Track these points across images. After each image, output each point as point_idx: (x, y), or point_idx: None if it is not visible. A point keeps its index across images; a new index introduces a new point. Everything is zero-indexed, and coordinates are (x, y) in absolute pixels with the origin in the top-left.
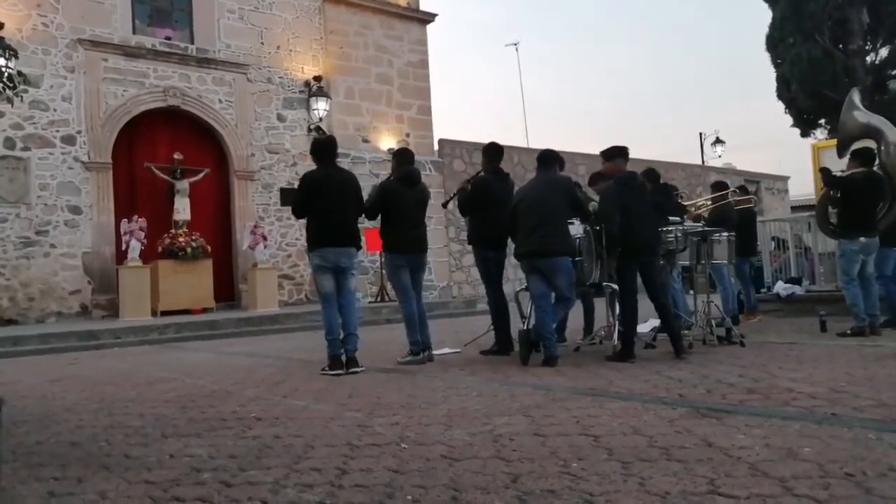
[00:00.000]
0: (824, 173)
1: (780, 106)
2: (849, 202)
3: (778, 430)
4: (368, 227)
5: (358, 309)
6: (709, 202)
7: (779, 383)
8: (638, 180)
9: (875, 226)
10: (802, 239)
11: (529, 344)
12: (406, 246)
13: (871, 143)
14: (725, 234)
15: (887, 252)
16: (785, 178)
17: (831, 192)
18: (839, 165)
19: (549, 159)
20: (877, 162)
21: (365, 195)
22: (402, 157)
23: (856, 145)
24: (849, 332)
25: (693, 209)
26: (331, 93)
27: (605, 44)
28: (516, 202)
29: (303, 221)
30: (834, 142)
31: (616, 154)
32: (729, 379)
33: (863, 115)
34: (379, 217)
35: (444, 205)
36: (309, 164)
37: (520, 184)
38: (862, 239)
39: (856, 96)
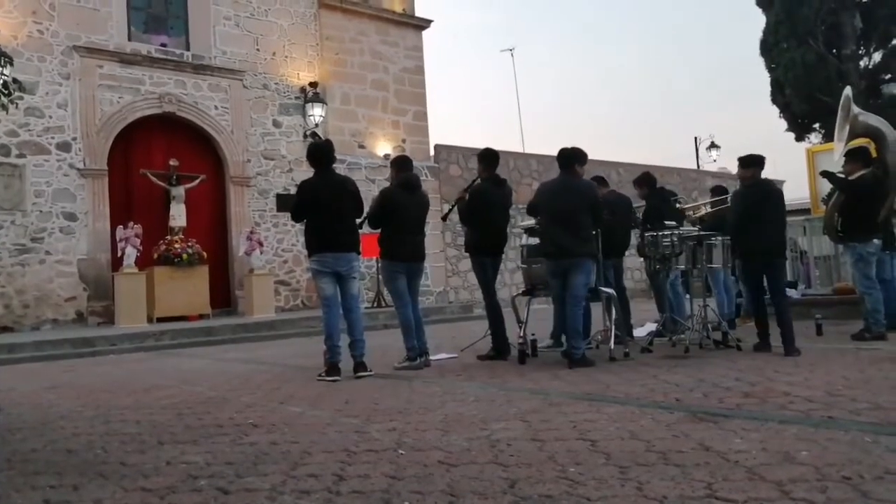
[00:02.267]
0: (831, 177)
1: (775, 110)
2: (859, 204)
3: (775, 434)
4: (365, 232)
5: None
6: (709, 207)
7: (775, 387)
8: (762, 187)
9: (880, 226)
10: (798, 243)
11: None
12: (404, 254)
13: (865, 141)
14: (720, 238)
15: (883, 256)
16: (780, 183)
17: (842, 197)
18: (835, 168)
19: (568, 159)
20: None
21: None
22: (401, 164)
23: (850, 145)
24: (867, 335)
25: (693, 213)
26: (326, 99)
27: (600, 49)
28: (539, 202)
29: (300, 227)
30: (829, 145)
31: (741, 163)
32: (725, 383)
33: (864, 117)
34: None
35: (444, 218)
36: (305, 170)
37: (516, 188)
38: (875, 241)
39: (852, 103)
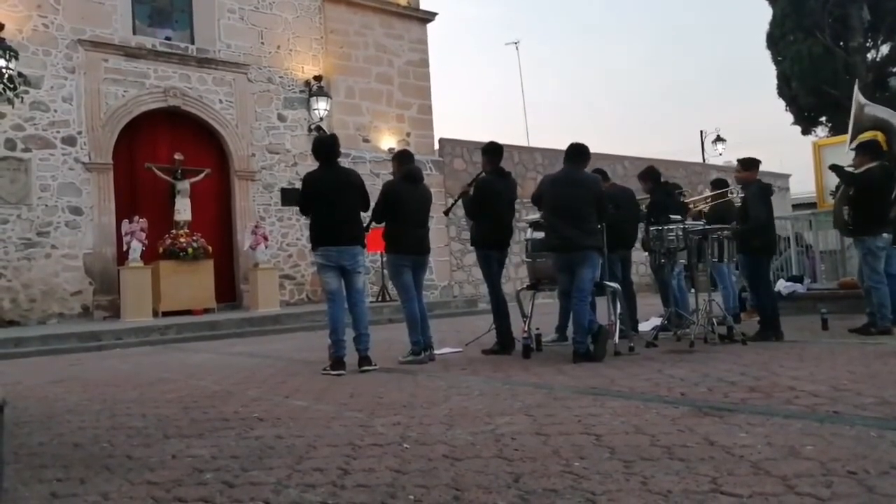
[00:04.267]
0: (839, 171)
1: (781, 104)
2: (867, 198)
3: (780, 429)
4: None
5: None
6: (709, 200)
7: (780, 381)
8: (768, 187)
9: (889, 221)
10: (803, 237)
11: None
12: (409, 247)
13: (872, 135)
14: (726, 232)
15: (892, 251)
16: (786, 176)
17: (850, 191)
18: (844, 162)
19: (577, 154)
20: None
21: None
22: (403, 158)
23: (860, 138)
24: (873, 330)
25: (693, 207)
26: (331, 92)
27: (605, 42)
28: (543, 193)
29: (304, 221)
30: (836, 139)
31: (745, 165)
32: (730, 377)
33: (872, 108)
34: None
35: (447, 213)
36: (309, 164)
37: (521, 182)
38: (885, 235)
39: (857, 93)
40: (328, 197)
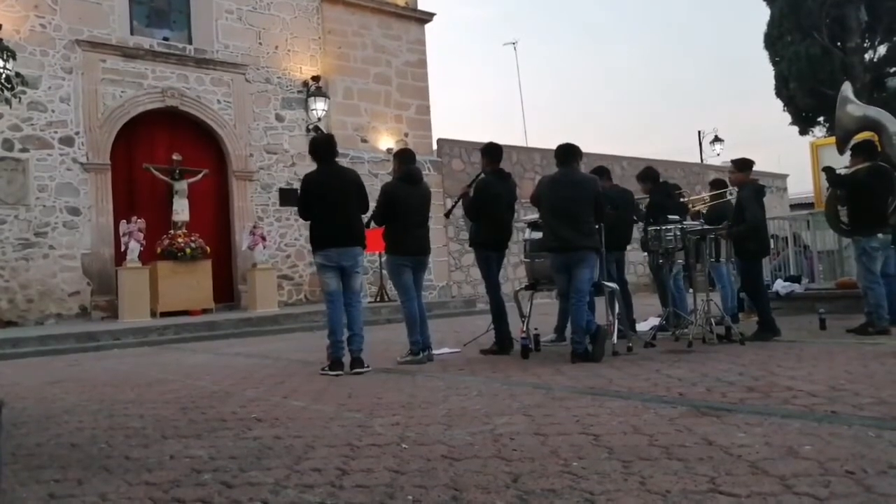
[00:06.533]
0: (828, 172)
1: (779, 104)
2: (859, 199)
3: (778, 429)
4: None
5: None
6: (707, 200)
7: (779, 381)
8: (762, 189)
9: (888, 220)
10: (801, 237)
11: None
12: (409, 247)
13: (868, 135)
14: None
15: (889, 252)
16: (784, 177)
17: (838, 192)
18: (840, 162)
19: (567, 154)
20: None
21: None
22: (404, 157)
23: (855, 139)
24: (871, 330)
25: (691, 206)
26: (329, 93)
27: (603, 43)
28: (541, 193)
29: (302, 222)
30: (833, 139)
31: (739, 166)
32: (729, 377)
33: (857, 108)
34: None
35: (447, 215)
36: (307, 165)
37: (519, 183)
38: (880, 235)
39: (848, 90)
40: (329, 198)
